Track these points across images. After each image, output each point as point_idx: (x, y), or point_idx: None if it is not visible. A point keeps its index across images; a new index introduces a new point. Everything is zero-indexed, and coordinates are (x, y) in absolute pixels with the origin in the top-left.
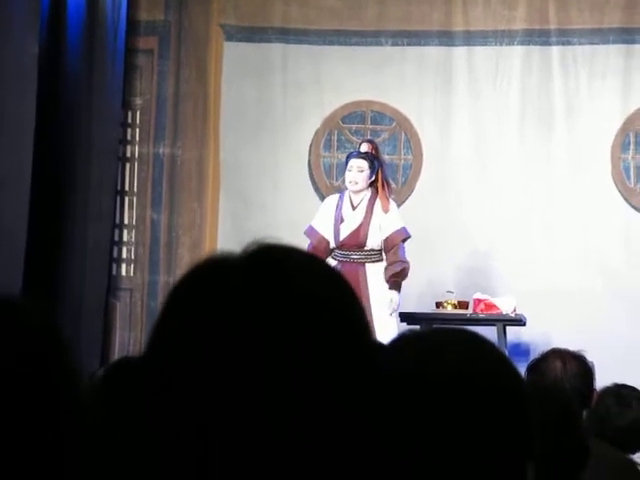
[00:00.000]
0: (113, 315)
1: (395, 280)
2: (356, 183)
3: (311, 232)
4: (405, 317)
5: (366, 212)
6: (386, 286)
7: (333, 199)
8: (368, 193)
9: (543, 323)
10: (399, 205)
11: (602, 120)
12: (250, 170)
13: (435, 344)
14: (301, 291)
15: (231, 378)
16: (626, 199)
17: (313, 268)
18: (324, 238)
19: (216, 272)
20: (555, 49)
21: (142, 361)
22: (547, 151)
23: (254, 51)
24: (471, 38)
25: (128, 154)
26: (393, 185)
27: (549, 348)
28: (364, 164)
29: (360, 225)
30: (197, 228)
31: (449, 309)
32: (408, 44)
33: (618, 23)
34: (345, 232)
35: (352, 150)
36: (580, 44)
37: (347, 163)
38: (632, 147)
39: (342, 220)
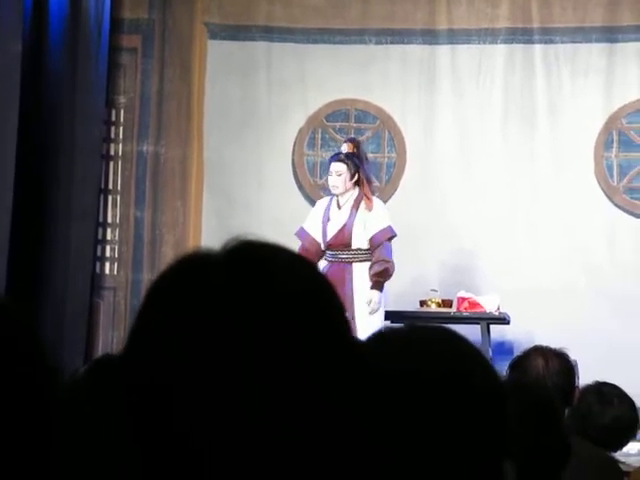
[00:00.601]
0: (97, 314)
1: (377, 280)
2: (337, 187)
3: (302, 234)
4: (389, 315)
5: (350, 211)
6: (369, 285)
7: (324, 201)
8: (355, 193)
9: (527, 321)
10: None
11: (585, 118)
12: (234, 168)
13: (412, 342)
14: (280, 287)
15: (211, 374)
16: (609, 197)
17: (292, 264)
18: (314, 240)
19: (196, 268)
20: (538, 47)
21: (121, 357)
22: (530, 149)
23: (238, 49)
24: (454, 36)
25: (112, 152)
26: (376, 183)
27: (531, 346)
28: (342, 167)
29: (344, 224)
30: (181, 226)
31: (433, 307)
32: (392, 42)
33: (601, 21)
34: (331, 232)
35: (336, 149)
36: (563, 42)
37: (329, 166)
38: (615, 145)
39: (329, 220)
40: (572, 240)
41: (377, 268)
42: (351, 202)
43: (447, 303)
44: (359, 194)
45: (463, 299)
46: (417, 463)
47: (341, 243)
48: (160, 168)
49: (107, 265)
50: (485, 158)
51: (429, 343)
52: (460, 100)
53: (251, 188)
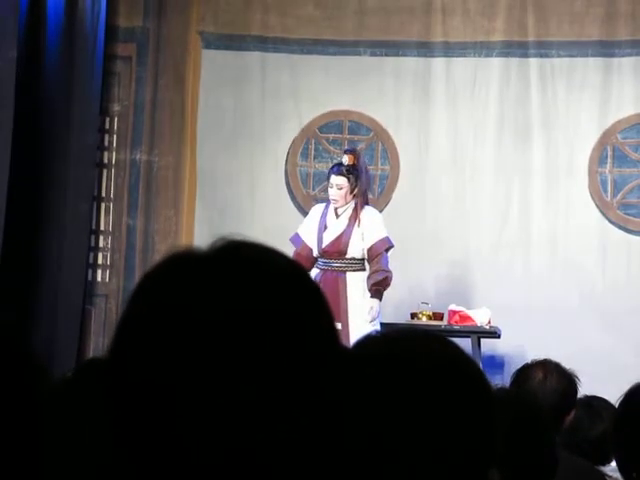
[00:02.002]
0: (88, 321)
1: (377, 289)
2: (336, 201)
3: (296, 240)
4: (381, 327)
5: (349, 221)
6: (367, 294)
7: (319, 208)
8: (352, 203)
9: (518, 336)
10: None
11: (580, 133)
12: (227, 178)
13: (401, 345)
14: (267, 284)
15: (197, 371)
16: (603, 213)
17: (279, 263)
18: (308, 246)
19: (183, 265)
20: (533, 61)
21: (107, 354)
22: (524, 163)
23: (232, 59)
24: (450, 49)
25: (105, 160)
26: (370, 196)
27: (523, 361)
28: (343, 181)
29: (342, 233)
30: (173, 235)
31: (424, 320)
32: (386, 54)
33: (597, 36)
34: (327, 240)
35: (329, 159)
36: (559, 56)
37: (329, 177)
38: (609, 161)
39: (325, 228)
40: (565, 255)
41: (377, 277)
42: (349, 212)
43: (438, 316)
44: (356, 205)
45: (454, 312)
46: (403, 463)
47: (336, 251)
48: (153, 176)
49: (99, 272)
50: (479, 171)
51: (420, 345)
52: (454, 113)
53: (244, 198)
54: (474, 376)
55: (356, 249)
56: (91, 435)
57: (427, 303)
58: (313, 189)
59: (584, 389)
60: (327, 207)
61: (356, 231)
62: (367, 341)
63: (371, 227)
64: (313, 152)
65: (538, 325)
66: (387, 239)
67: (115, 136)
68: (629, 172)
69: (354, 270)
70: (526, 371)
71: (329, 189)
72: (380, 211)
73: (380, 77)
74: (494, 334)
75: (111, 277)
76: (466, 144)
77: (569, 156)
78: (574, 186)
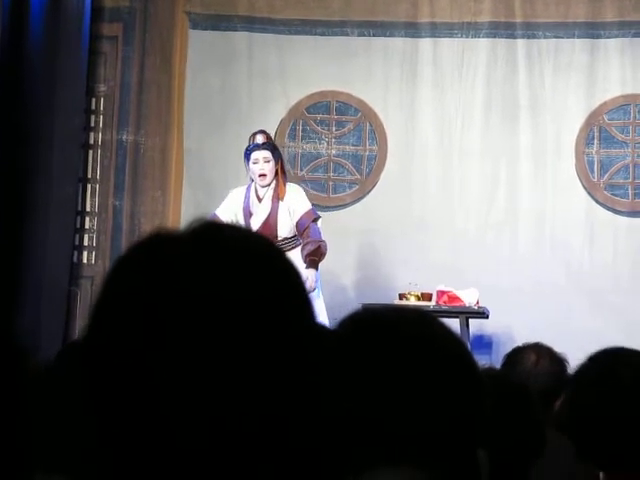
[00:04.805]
0: (74, 303)
1: (312, 259)
2: (265, 175)
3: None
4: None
5: (272, 202)
6: (303, 266)
7: (239, 193)
8: (273, 183)
9: (506, 317)
10: (363, 196)
11: (566, 114)
12: (214, 158)
13: (387, 324)
14: (245, 265)
15: (172, 352)
16: (590, 194)
17: (253, 244)
18: None
19: (160, 245)
20: (520, 42)
21: (84, 335)
22: (512, 144)
23: (219, 39)
24: (437, 30)
25: (91, 141)
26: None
27: (511, 341)
28: (268, 154)
29: (268, 215)
30: (160, 216)
31: (412, 301)
32: (374, 35)
33: (583, 17)
34: (255, 226)
35: (317, 140)
36: (545, 37)
37: (248, 157)
38: (596, 141)
39: (251, 215)
40: (552, 236)
41: (310, 248)
42: (271, 193)
43: (426, 296)
44: (277, 184)
45: (442, 293)
46: (389, 443)
47: (267, 235)
48: (140, 157)
49: (85, 254)
50: (466, 152)
51: (407, 322)
52: (442, 93)
53: (231, 178)
54: (461, 355)
55: (285, 228)
56: (74, 418)
57: (416, 284)
58: (301, 170)
59: (571, 369)
60: (248, 191)
61: (282, 208)
62: (353, 319)
63: (295, 201)
64: (301, 133)
65: (525, 305)
66: (312, 211)
67: (101, 117)
68: (615, 153)
69: (288, 250)
70: (518, 354)
71: (253, 166)
72: (368, 192)
73: (368, 58)
74: (482, 314)
75: (97, 259)
76: (454, 125)
77: (556, 137)
78: (561, 167)
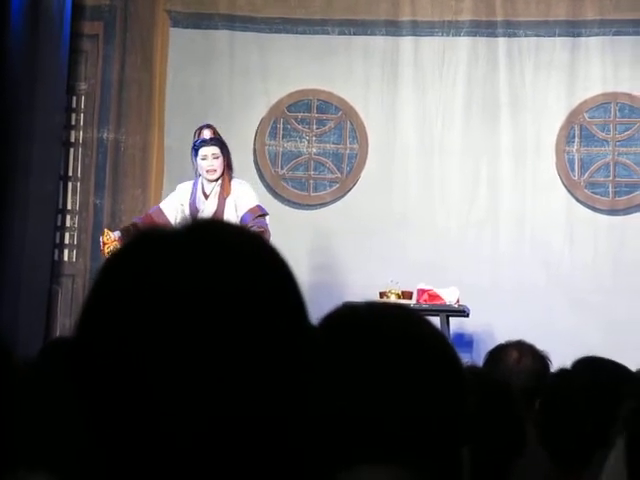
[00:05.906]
0: (55, 301)
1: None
2: (214, 171)
3: (159, 214)
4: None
5: (219, 199)
6: None
7: (186, 187)
8: (220, 179)
9: (486, 315)
10: (343, 195)
11: (547, 112)
12: None
13: (371, 320)
14: (233, 263)
15: (164, 350)
16: (570, 192)
17: (245, 241)
18: (170, 223)
19: (152, 243)
20: (501, 40)
21: (74, 334)
22: (492, 142)
23: (200, 38)
24: (418, 28)
25: (72, 139)
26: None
27: (492, 339)
28: (217, 150)
29: (215, 212)
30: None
31: (393, 299)
32: (355, 33)
33: (564, 16)
34: None
35: (297, 139)
36: (526, 36)
37: (196, 153)
38: (577, 140)
39: (198, 211)
40: (532, 234)
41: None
42: (218, 189)
43: (407, 295)
44: (223, 180)
45: (423, 291)
46: (373, 440)
47: None
48: (120, 156)
49: (66, 252)
50: (447, 150)
51: (392, 318)
52: (422, 92)
53: None
54: (445, 352)
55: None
56: (58, 415)
57: (396, 282)
58: (282, 168)
59: (553, 367)
60: (195, 188)
61: (229, 204)
62: (337, 315)
63: (241, 197)
64: (282, 131)
65: (506, 303)
66: (258, 207)
67: (82, 115)
68: (596, 151)
69: None
70: (501, 351)
71: (202, 162)
72: (348, 190)
73: (349, 56)
74: (462, 313)
75: (78, 257)
76: (434, 123)
77: (536, 135)
78: (541, 165)
